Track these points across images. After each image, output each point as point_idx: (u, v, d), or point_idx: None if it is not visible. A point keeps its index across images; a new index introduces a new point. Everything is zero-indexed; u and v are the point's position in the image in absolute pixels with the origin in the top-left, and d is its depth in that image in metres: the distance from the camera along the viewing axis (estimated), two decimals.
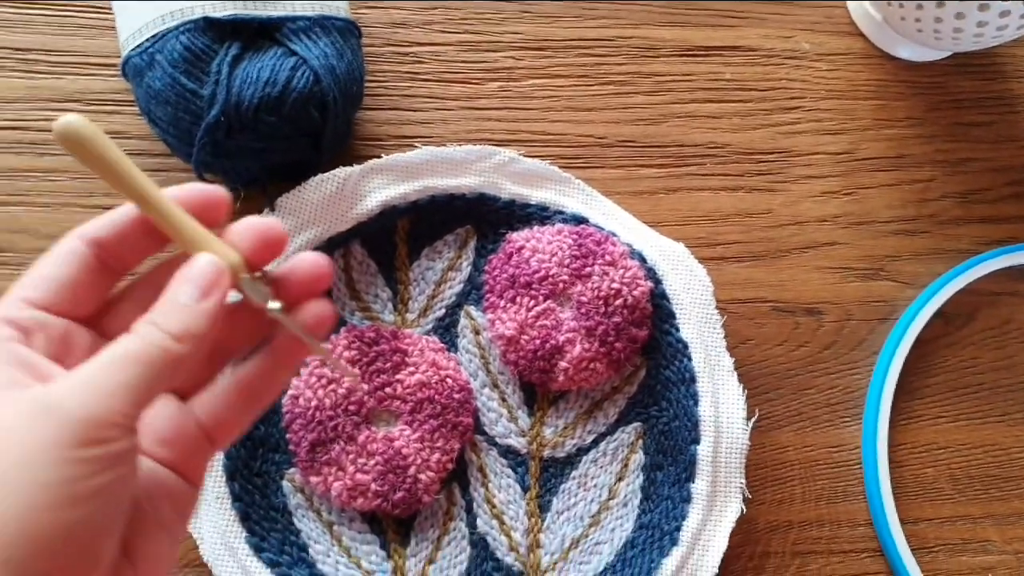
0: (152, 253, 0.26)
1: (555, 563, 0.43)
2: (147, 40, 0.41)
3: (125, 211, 0.26)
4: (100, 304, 0.26)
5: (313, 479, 0.41)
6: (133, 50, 0.41)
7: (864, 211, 0.50)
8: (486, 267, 0.45)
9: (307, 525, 0.42)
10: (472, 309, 0.45)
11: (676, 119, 0.50)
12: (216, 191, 0.26)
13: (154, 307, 0.24)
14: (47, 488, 0.21)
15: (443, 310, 0.45)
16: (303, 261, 0.27)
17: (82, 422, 0.22)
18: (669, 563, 0.41)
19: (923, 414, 0.48)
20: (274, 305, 0.26)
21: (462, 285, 0.45)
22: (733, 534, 0.43)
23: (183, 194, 0.26)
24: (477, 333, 0.45)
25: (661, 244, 0.46)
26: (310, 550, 0.42)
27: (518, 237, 0.44)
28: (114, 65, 0.46)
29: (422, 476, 0.41)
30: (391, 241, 0.45)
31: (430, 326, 0.45)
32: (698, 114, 0.50)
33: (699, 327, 0.44)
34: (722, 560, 0.42)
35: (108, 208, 0.25)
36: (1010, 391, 0.49)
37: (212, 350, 0.26)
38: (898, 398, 0.48)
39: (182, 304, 0.24)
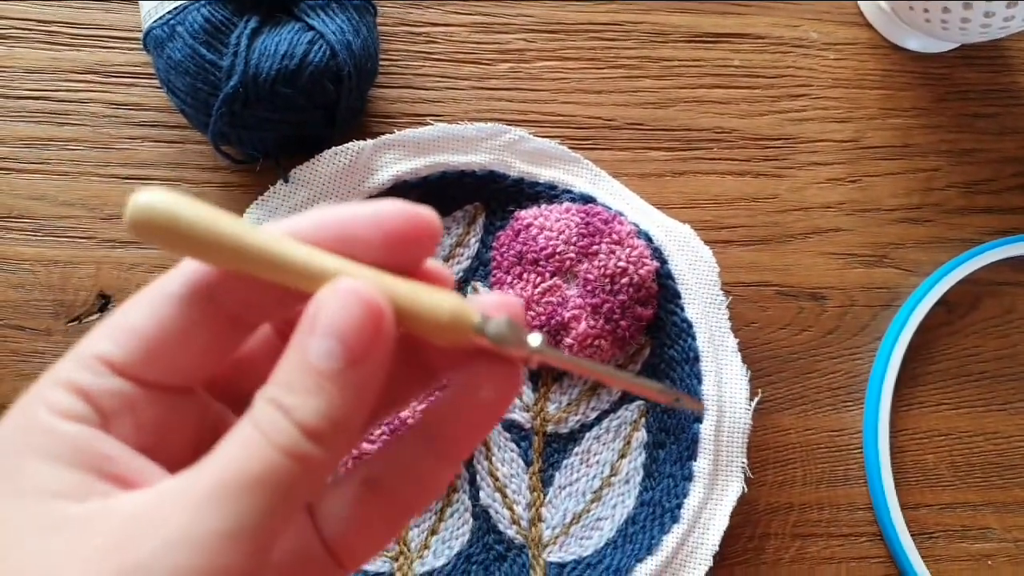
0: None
1: (556, 537, 0.43)
2: (169, 12, 0.42)
3: (291, 226, 0.18)
4: (217, 367, 0.19)
5: None
6: (155, 22, 0.42)
7: (869, 198, 0.51)
8: (494, 243, 0.45)
9: None
10: (479, 285, 0.46)
11: (684, 104, 0.50)
12: (418, 216, 0.18)
13: (278, 371, 0.16)
14: None
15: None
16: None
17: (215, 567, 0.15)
18: (670, 540, 0.42)
19: (925, 401, 0.49)
20: (535, 341, 0.18)
21: (470, 261, 0.46)
22: (734, 515, 0.44)
23: (361, 219, 0.17)
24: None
25: (668, 225, 0.46)
26: None
27: (526, 215, 0.45)
28: (133, 39, 0.47)
29: None
30: None
31: None
32: (706, 99, 0.51)
33: (704, 307, 0.45)
34: (722, 540, 0.43)
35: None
36: (1012, 380, 0.49)
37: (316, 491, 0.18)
38: (900, 384, 0.48)
39: (316, 368, 0.16)
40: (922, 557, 0.46)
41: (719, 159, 0.50)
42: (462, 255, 0.46)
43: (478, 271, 0.46)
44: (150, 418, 0.17)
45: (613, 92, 0.50)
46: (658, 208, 0.47)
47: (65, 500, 0.15)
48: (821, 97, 0.52)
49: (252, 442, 0.15)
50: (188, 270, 0.18)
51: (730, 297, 0.46)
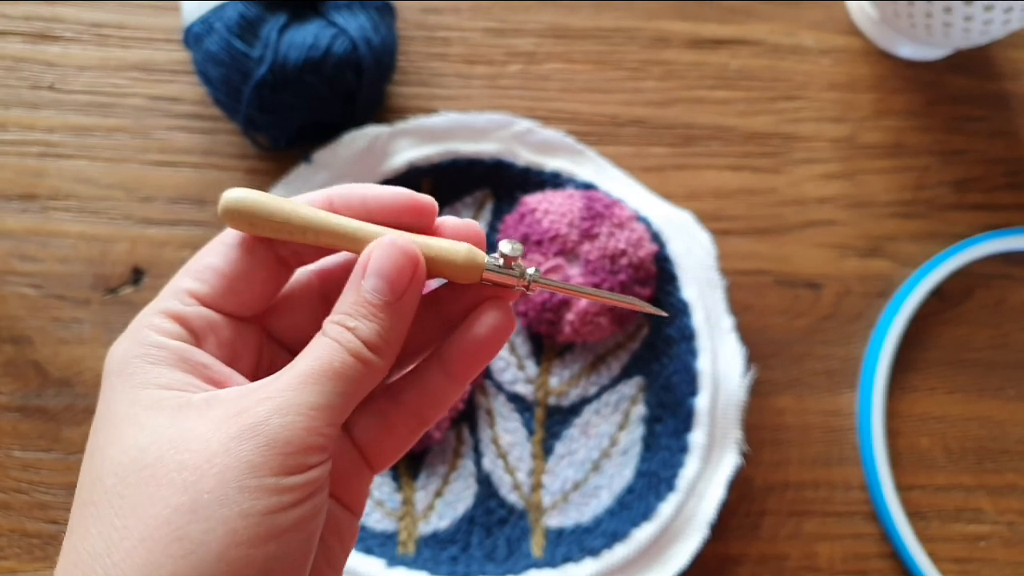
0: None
1: (556, 503, 0.45)
2: (208, 11, 0.46)
3: (308, 198, 0.23)
4: (269, 302, 0.23)
5: None
6: (196, 20, 0.46)
7: (863, 194, 0.53)
8: (500, 226, 0.48)
9: None
10: None
11: (685, 103, 0.53)
12: (422, 198, 0.23)
13: (341, 303, 0.21)
14: (249, 520, 0.18)
15: None
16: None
17: (287, 446, 0.19)
18: (666, 508, 0.44)
19: (919, 386, 0.50)
20: (531, 272, 0.24)
21: None
22: (731, 492, 0.45)
23: (386, 198, 0.23)
24: None
25: (667, 211, 0.49)
26: None
27: (532, 199, 0.48)
28: (174, 39, 0.52)
29: None
30: None
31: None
32: (706, 100, 0.54)
33: (700, 289, 0.47)
34: (720, 516, 0.44)
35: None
36: (1005, 368, 0.51)
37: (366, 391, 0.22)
38: (894, 370, 0.49)
39: (369, 301, 0.21)
40: (915, 537, 0.47)
41: (718, 155, 0.53)
42: None
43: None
44: (227, 339, 0.22)
45: (617, 92, 0.53)
46: (660, 199, 0.50)
47: (180, 391, 0.20)
48: (816, 99, 0.55)
49: (332, 348, 0.21)
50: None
51: (727, 280, 0.48)
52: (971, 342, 0.51)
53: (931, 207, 0.53)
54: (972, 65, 0.56)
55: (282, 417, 0.19)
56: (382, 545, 0.43)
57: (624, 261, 0.46)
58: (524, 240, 0.47)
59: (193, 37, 0.46)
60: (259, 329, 0.24)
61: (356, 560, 0.42)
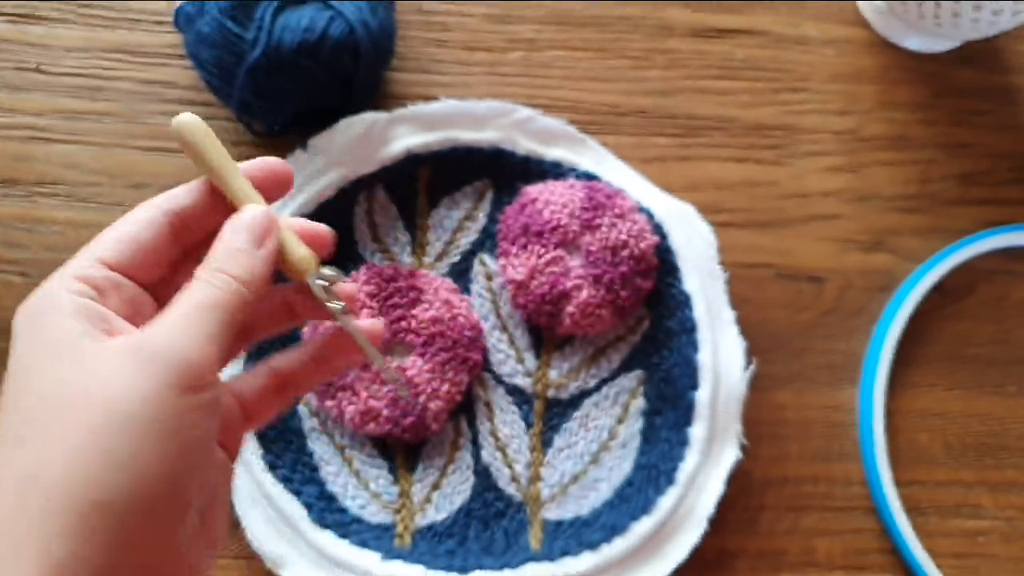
0: (218, 225, 0.27)
1: (554, 496, 0.44)
2: None
3: (197, 185, 0.27)
4: (164, 272, 0.27)
5: (328, 403, 0.43)
6: (187, 0, 0.45)
7: (867, 187, 0.52)
8: (500, 216, 0.47)
9: (320, 447, 0.44)
10: (486, 256, 0.48)
11: (688, 93, 0.53)
12: (281, 164, 0.28)
13: (211, 255, 0.25)
14: (157, 435, 0.21)
15: (458, 256, 0.48)
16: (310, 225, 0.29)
17: (187, 367, 0.22)
18: (665, 502, 0.43)
19: (919, 382, 0.50)
20: (336, 305, 0.28)
21: (477, 235, 0.48)
22: (730, 486, 0.45)
23: (252, 165, 0.28)
24: (489, 279, 0.47)
25: (669, 203, 0.48)
26: (321, 471, 0.44)
27: (532, 190, 0.47)
28: (164, 22, 0.50)
29: (431, 405, 0.43)
30: (413, 189, 0.48)
31: (445, 270, 0.47)
32: (709, 90, 0.53)
33: (702, 281, 0.46)
34: (719, 510, 0.44)
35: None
36: (1006, 364, 0.50)
37: (239, 328, 0.26)
38: (895, 365, 0.49)
39: (238, 249, 0.25)
40: (915, 532, 0.46)
41: (721, 146, 0.52)
42: (470, 228, 0.48)
43: (485, 244, 0.48)
44: (129, 298, 0.25)
45: (620, 81, 0.52)
46: (661, 190, 0.49)
47: (87, 337, 0.23)
48: (821, 91, 0.54)
49: (209, 285, 0.25)
50: (156, 203, 0.27)
51: (728, 273, 0.47)
52: (972, 338, 0.51)
53: (935, 201, 0.52)
54: (979, 58, 0.55)
55: (181, 341, 0.23)
56: (378, 538, 0.43)
57: (625, 253, 0.45)
58: (525, 230, 0.46)
59: (184, 18, 0.45)
60: (157, 295, 0.27)
61: (352, 553, 0.41)
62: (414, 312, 0.44)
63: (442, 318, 0.44)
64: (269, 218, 0.26)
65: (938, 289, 0.51)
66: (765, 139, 0.52)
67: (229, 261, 0.25)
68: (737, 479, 0.46)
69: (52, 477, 0.21)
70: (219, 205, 0.27)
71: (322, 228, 0.29)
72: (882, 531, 0.47)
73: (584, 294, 0.45)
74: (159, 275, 0.27)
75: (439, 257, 0.48)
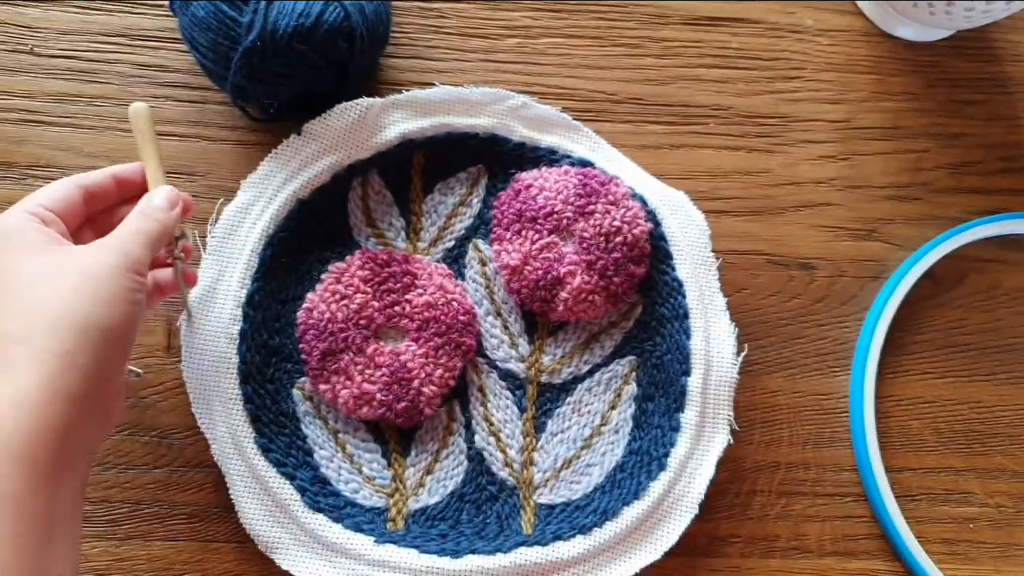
0: (115, 202, 0.40)
1: (547, 480, 0.45)
2: None
3: (106, 171, 0.39)
4: (72, 229, 0.38)
5: (322, 387, 0.43)
6: None
7: (859, 176, 0.52)
8: (495, 203, 0.47)
9: (313, 431, 0.44)
10: (480, 242, 0.48)
11: (683, 81, 0.53)
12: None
13: (140, 206, 0.38)
14: (121, 292, 0.33)
15: (452, 242, 0.48)
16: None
17: (134, 259, 0.35)
18: (656, 486, 0.43)
19: (911, 369, 0.50)
20: (179, 256, 0.40)
21: (472, 220, 0.48)
22: (721, 471, 0.45)
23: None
24: (484, 264, 0.48)
25: (662, 190, 0.48)
26: (315, 455, 0.44)
27: (526, 176, 0.47)
28: (159, 5, 0.50)
29: (425, 389, 0.43)
30: (407, 174, 0.48)
31: (439, 256, 0.47)
32: (704, 78, 0.53)
33: (694, 268, 0.46)
34: (710, 495, 0.44)
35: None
36: (997, 352, 0.51)
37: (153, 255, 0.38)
38: (887, 352, 0.49)
39: (159, 207, 0.38)
40: (905, 518, 0.47)
41: (715, 134, 0.52)
42: (464, 214, 0.48)
43: (479, 229, 0.48)
44: (60, 231, 0.36)
45: (615, 69, 0.52)
46: (655, 178, 0.49)
47: (53, 242, 0.35)
48: (814, 80, 0.54)
49: (143, 218, 0.37)
50: (76, 180, 0.38)
51: (720, 260, 0.48)
52: (963, 326, 0.51)
53: (927, 190, 0.53)
54: (972, 47, 0.56)
55: (129, 245, 0.35)
56: (371, 522, 0.43)
57: (619, 239, 0.45)
58: (519, 216, 0.46)
59: (179, 1, 0.45)
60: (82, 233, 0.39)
61: (345, 537, 0.41)
62: (408, 297, 0.45)
63: (436, 303, 0.44)
64: (177, 194, 0.39)
65: (929, 277, 0.51)
66: (759, 127, 0.52)
67: (154, 211, 0.37)
68: (728, 465, 0.46)
69: (54, 309, 0.31)
70: (121, 190, 0.40)
71: (189, 198, 0.41)
72: (872, 517, 0.47)
73: (577, 280, 0.45)
74: (70, 230, 0.37)
75: (433, 242, 0.48)
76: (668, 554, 0.43)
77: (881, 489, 0.47)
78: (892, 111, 0.54)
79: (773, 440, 0.48)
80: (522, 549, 0.42)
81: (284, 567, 0.41)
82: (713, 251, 0.47)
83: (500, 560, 0.41)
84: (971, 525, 0.48)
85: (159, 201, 0.38)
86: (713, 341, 0.45)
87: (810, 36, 0.55)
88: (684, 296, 0.46)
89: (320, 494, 0.43)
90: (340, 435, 0.44)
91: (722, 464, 0.45)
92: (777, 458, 0.48)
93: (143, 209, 0.37)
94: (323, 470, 0.44)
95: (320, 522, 0.42)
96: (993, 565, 0.47)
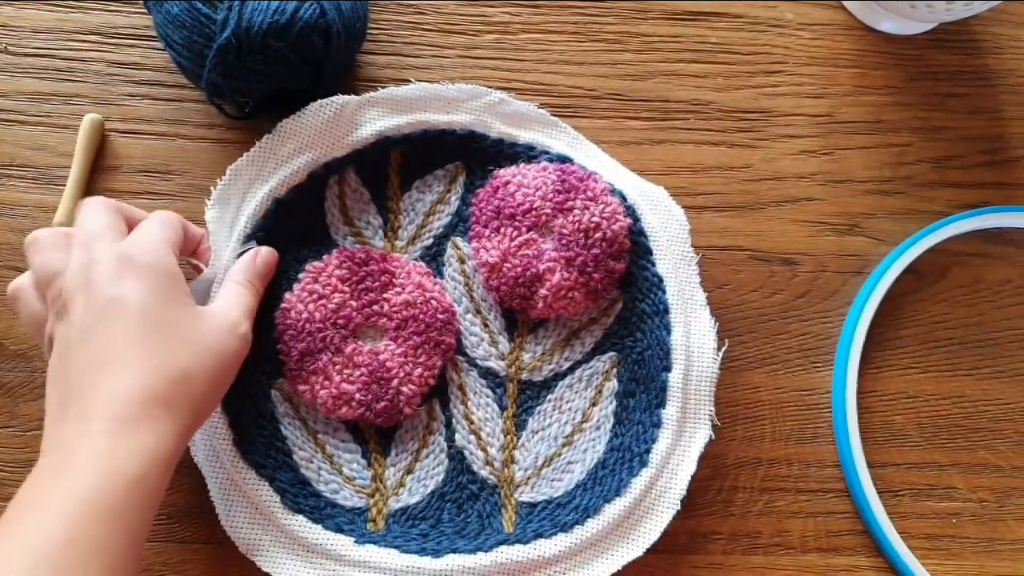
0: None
1: (528, 478, 0.44)
2: None
3: (193, 232, 0.43)
4: None
5: (301, 387, 0.43)
6: None
7: (841, 170, 0.52)
8: (473, 199, 0.47)
9: (292, 432, 0.44)
10: (459, 239, 0.48)
11: (663, 76, 0.52)
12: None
13: (236, 276, 0.42)
14: (236, 356, 0.39)
15: (431, 240, 0.47)
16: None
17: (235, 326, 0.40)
18: (638, 483, 0.43)
19: (893, 364, 0.50)
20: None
21: (450, 218, 0.48)
22: (703, 467, 0.45)
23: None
24: (462, 262, 0.47)
25: (641, 186, 0.48)
26: (294, 456, 0.44)
27: (505, 172, 0.47)
28: (133, 3, 0.50)
29: (404, 388, 0.43)
30: (384, 172, 0.48)
31: (418, 254, 0.47)
32: (684, 73, 0.53)
33: (674, 263, 0.46)
34: (692, 491, 0.44)
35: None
36: (979, 347, 0.50)
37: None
38: (869, 347, 0.49)
39: (258, 274, 0.44)
40: (888, 514, 0.47)
41: (695, 129, 0.52)
42: (442, 211, 0.48)
43: (458, 227, 0.48)
44: None
45: (594, 64, 0.52)
46: (634, 173, 0.49)
47: (188, 303, 0.39)
48: (796, 74, 0.54)
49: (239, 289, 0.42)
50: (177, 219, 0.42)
51: (700, 255, 0.47)
52: (946, 320, 0.51)
53: (910, 184, 0.53)
54: (954, 41, 0.55)
55: (234, 326, 0.40)
56: (351, 522, 0.42)
57: (598, 235, 0.45)
58: (497, 213, 0.46)
59: None
60: None
61: (326, 537, 0.41)
62: (386, 296, 0.44)
63: (415, 301, 0.44)
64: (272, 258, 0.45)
65: (912, 272, 0.51)
66: (740, 122, 0.52)
67: (253, 277, 0.43)
68: (710, 461, 0.46)
69: (193, 381, 0.36)
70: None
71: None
72: (855, 513, 0.47)
73: (557, 276, 0.45)
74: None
75: (412, 240, 0.47)
76: (650, 551, 0.43)
77: (864, 485, 0.47)
78: (874, 105, 0.54)
79: (755, 436, 0.48)
80: (503, 548, 0.42)
81: (265, 569, 0.41)
82: (693, 246, 0.47)
83: (481, 559, 0.41)
84: (954, 520, 0.48)
85: (261, 267, 0.43)
86: (693, 336, 0.45)
87: (791, 30, 0.54)
88: (664, 291, 0.46)
89: (300, 495, 0.42)
90: (320, 436, 0.44)
91: (704, 460, 0.44)
92: (759, 454, 0.47)
93: (239, 279, 0.42)
94: (303, 471, 0.43)
95: (300, 523, 0.41)
96: (976, 560, 0.47)
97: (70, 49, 0.49)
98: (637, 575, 0.43)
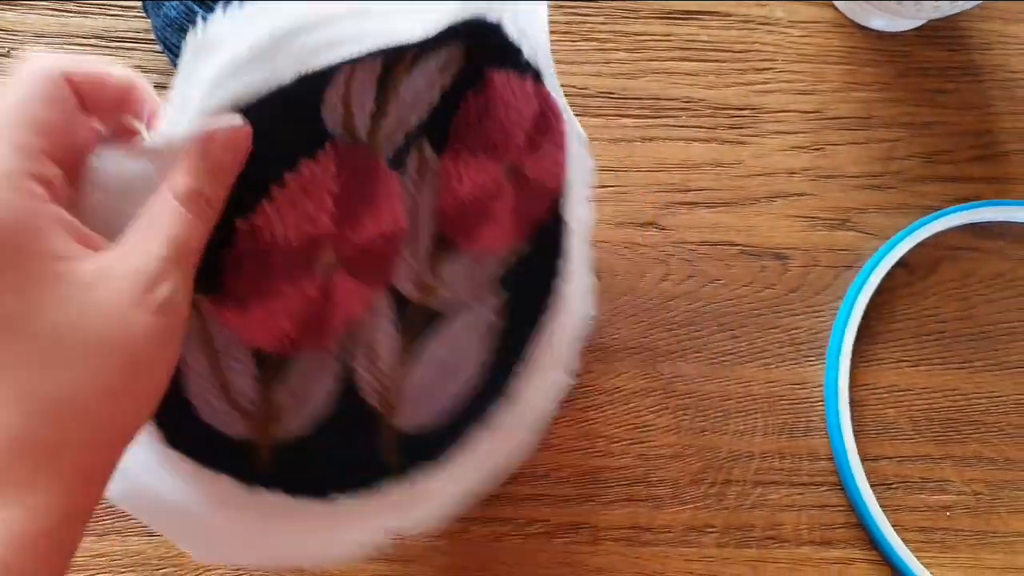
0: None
1: (412, 410, 0.42)
2: None
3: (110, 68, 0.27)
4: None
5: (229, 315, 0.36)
6: None
7: (832, 166, 0.53)
8: (463, 104, 0.38)
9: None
10: (426, 147, 0.38)
11: (654, 75, 0.53)
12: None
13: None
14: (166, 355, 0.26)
15: (402, 138, 0.37)
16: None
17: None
18: (505, 416, 0.42)
19: (885, 357, 0.50)
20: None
21: (426, 115, 0.37)
22: (695, 461, 0.45)
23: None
24: (421, 177, 0.39)
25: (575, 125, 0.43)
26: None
27: (499, 80, 0.38)
28: (135, 7, 0.51)
29: (335, 323, 0.39)
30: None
31: (390, 156, 0.37)
32: (675, 71, 0.53)
33: (580, 215, 0.44)
34: (685, 485, 0.44)
35: None
36: (971, 340, 0.51)
37: None
38: (861, 341, 0.49)
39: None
40: (881, 507, 0.47)
41: (687, 126, 0.52)
42: (421, 104, 0.36)
43: (428, 129, 0.37)
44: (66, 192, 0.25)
45: (586, 63, 0.53)
46: (628, 170, 0.49)
47: (73, 258, 0.23)
48: (786, 71, 0.54)
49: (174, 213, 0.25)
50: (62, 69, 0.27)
51: (694, 252, 0.48)
52: (938, 314, 0.51)
53: (900, 179, 0.53)
54: (943, 36, 0.56)
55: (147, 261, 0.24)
56: (235, 458, 0.37)
57: (552, 184, 0.40)
58: (482, 137, 0.38)
59: (152, 2, 0.46)
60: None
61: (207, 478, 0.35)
62: (364, 222, 0.36)
63: (388, 235, 0.37)
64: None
65: (903, 266, 0.51)
66: (730, 119, 0.53)
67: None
68: (703, 454, 0.47)
69: (90, 411, 0.23)
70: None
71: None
72: (849, 506, 0.47)
73: (501, 215, 0.42)
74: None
75: (389, 136, 0.36)
76: (642, 544, 0.43)
77: (857, 478, 0.47)
78: (864, 101, 0.54)
79: (748, 430, 0.48)
80: (386, 481, 0.39)
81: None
82: (686, 242, 0.48)
83: (367, 497, 0.39)
84: (948, 513, 0.48)
85: (222, 158, 0.26)
86: (576, 289, 0.43)
87: (781, 28, 0.55)
88: (568, 241, 0.44)
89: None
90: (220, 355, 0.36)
91: (696, 453, 0.45)
92: (752, 448, 0.48)
93: (177, 186, 0.25)
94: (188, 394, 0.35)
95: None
96: (970, 552, 0.47)
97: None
98: (629, 568, 0.44)
